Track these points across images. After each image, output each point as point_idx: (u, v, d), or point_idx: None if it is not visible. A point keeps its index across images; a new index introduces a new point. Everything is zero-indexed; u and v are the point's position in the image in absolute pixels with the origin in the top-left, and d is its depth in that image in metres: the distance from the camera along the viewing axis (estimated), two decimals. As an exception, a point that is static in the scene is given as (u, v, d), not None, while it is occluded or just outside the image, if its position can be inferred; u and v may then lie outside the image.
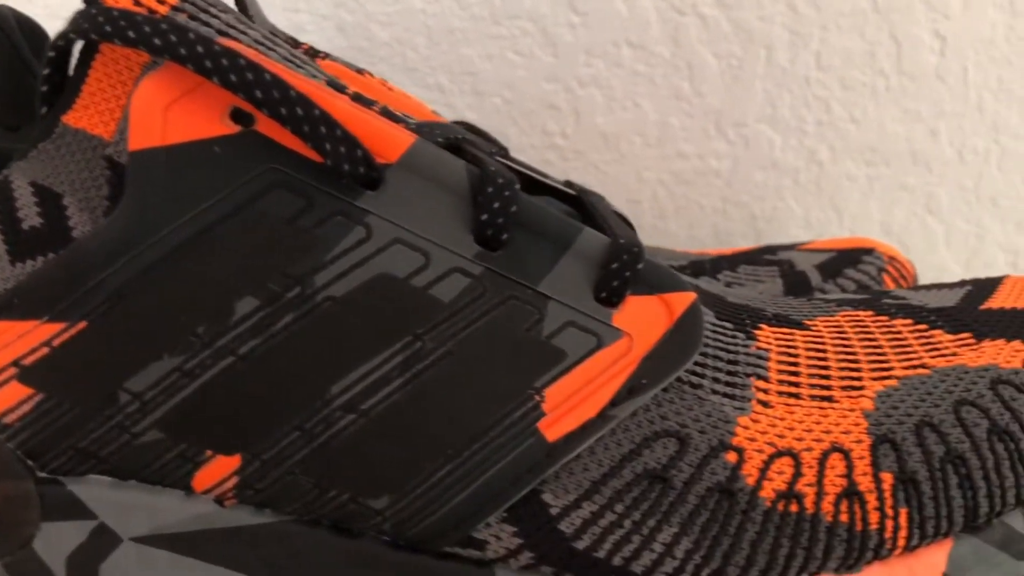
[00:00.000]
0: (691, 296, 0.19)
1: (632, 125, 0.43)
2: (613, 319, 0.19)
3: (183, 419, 0.18)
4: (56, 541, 0.18)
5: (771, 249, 0.35)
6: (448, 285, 0.18)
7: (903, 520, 0.18)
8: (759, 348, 0.20)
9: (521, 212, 0.19)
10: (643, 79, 0.42)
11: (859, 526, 0.18)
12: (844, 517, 0.18)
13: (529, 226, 0.19)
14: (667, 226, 0.44)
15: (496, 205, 0.18)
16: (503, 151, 0.31)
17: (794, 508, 0.18)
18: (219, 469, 0.18)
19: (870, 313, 0.23)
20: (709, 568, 0.18)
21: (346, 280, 0.18)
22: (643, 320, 0.19)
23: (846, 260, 0.33)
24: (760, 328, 0.21)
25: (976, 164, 0.43)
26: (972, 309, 0.23)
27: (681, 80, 0.42)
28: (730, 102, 0.42)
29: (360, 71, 0.27)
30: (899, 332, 0.21)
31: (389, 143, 0.18)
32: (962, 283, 0.25)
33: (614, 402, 0.18)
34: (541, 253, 0.19)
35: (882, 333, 0.21)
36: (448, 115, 0.43)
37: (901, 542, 0.18)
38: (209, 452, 0.18)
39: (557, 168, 0.43)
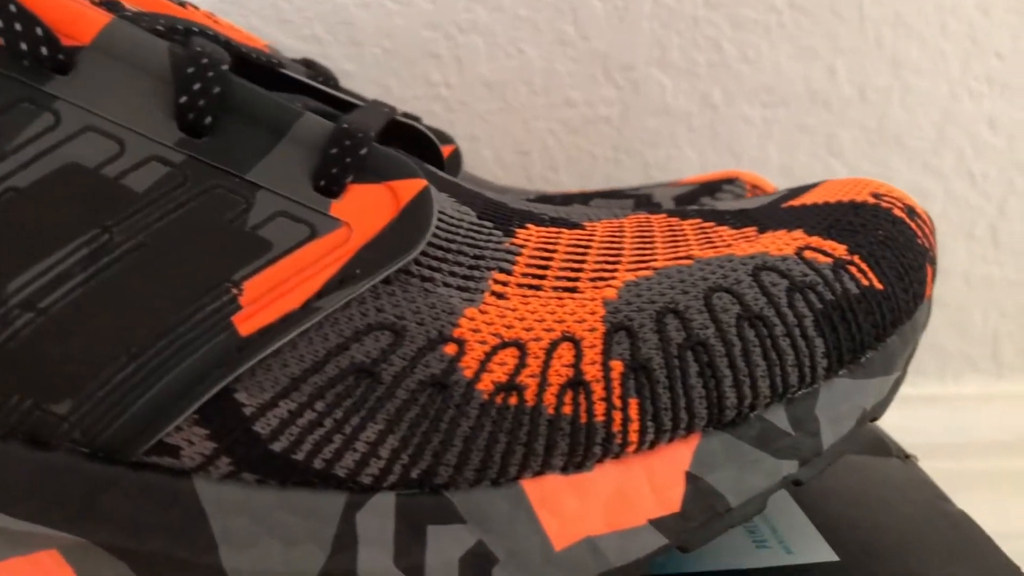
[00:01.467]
0: (420, 183, 0.18)
1: (517, 73, 0.41)
2: (331, 208, 0.17)
3: None
4: None
5: (638, 187, 0.33)
6: (144, 174, 0.17)
7: (633, 411, 0.16)
8: (512, 244, 0.19)
9: (230, 96, 0.17)
10: (526, 24, 0.41)
11: (583, 418, 0.16)
12: (567, 409, 0.16)
13: (240, 111, 0.17)
14: (559, 177, 0.42)
15: (197, 87, 0.17)
16: (330, 80, 0.30)
17: (513, 401, 0.16)
18: (-102, 380, 0.17)
19: (662, 216, 0.21)
20: (418, 468, 0.16)
21: (30, 170, 0.16)
22: (365, 209, 0.17)
23: (705, 190, 0.31)
24: (525, 228, 0.20)
25: (878, 102, 0.42)
26: (773, 208, 0.21)
27: (565, 24, 0.41)
28: (617, 45, 0.41)
29: (183, 3, 0.25)
30: (681, 230, 0.20)
31: (80, 24, 0.17)
32: (784, 190, 0.24)
33: (321, 294, 0.16)
34: (253, 140, 0.17)
35: (661, 231, 0.20)
36: (326, 66, 0.41)
37: (634, 436, 0.16)
38: None
39: (443, 119, 0.42)
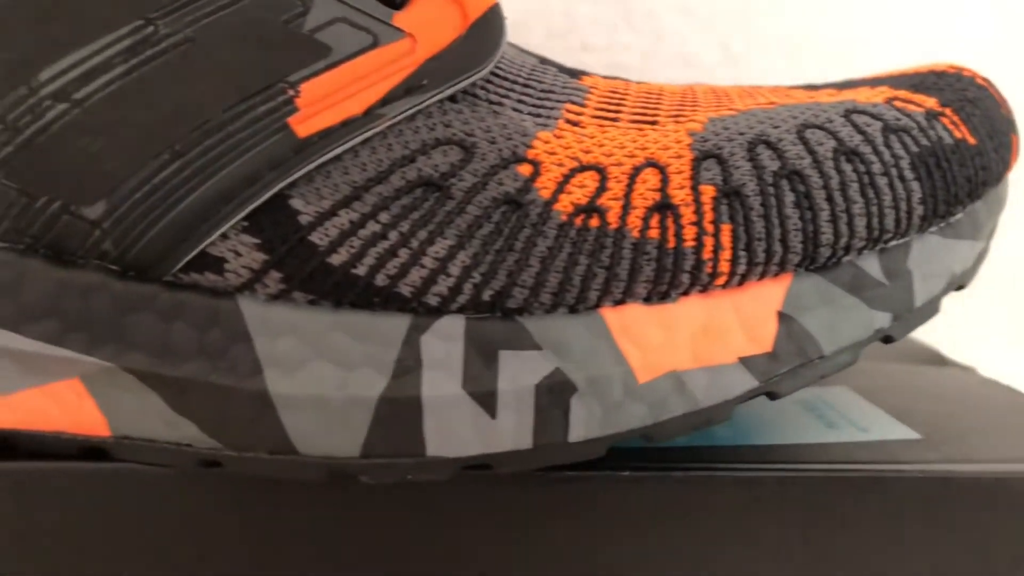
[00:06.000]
0: (491, 0, 0.16)
1: (536, 14, 0.40)
2: (394, 19, 0.16)
3: None
4: None
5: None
6: (193, -32, 0.15)
7: (726, 239, 0.15)
8: (581, 84, 0.18)
9: None
10: (547, -36, 0.40)
11: (671, 242, 0.15)
12: (654, 233, 0.15)
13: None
14: (575, 125, 0.41)
15: None
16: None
17: (594, 223, 0.15)
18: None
19: (718, 85, 0.20)
20: (491, 288, 0.15)
21: (67, -46, 0.15)
22: (432, 22, 0.16)
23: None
24: (590, 76, 0.18)
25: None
26: (843, 83, 0.20)
27: (588, -34, 0.40)
28: (640, -9, 0.40)
29: None
30: (755, 91, 0.19)
31: None
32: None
33: (385, 101, 0.15)
34: (312, -56, 0.16)
35: (730, 90, 0.19)
36: None
37: (725, 266, 0.15)
38: None
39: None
